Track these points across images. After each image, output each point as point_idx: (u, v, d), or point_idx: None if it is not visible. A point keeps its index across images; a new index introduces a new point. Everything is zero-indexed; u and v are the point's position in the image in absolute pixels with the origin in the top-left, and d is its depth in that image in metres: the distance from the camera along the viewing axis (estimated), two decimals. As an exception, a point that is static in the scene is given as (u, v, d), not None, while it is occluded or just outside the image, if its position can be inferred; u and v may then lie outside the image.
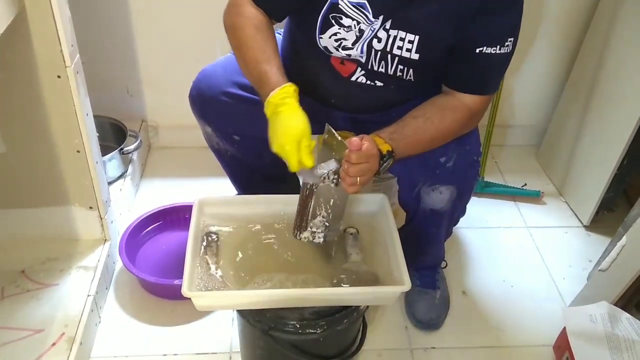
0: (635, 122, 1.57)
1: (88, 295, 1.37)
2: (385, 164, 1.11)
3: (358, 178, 1.06)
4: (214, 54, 1.79)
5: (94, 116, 1.36)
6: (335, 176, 1.10)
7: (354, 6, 1.14)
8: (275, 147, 1.08)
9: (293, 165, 1.07)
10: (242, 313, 1.18)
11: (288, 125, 1.08)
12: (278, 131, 1.08)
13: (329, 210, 1.16)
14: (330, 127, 1.10)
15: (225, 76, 1.31)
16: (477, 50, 1.14)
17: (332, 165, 1.10)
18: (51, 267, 1.43)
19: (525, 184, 1.95)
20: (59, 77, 1.22)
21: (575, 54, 1.91)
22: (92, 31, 1.75)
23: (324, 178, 1.10)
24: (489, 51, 1.14)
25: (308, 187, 1.12)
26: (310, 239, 1.17)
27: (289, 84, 1.11)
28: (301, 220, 1.16)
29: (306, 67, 1.29)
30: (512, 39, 1.15)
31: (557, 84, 2.02)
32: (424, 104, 1.21)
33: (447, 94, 1.22)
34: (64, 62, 1.20)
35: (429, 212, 1.30)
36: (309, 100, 1.31)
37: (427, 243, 1.43)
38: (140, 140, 1.81)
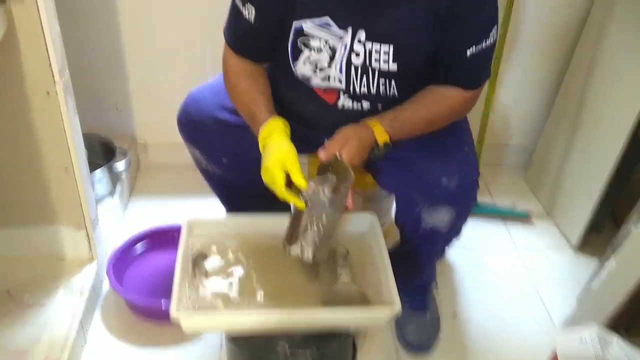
0: (622, 144, 1.58)
1: (74, 317, 1.34)
2: (378, 152, 1.16)
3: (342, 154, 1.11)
4: (204, 71, 1.80)
5: (83, 134, 1.35)
6: (330, 194, 1.10)
7: (318, 27, 1.16)
8: (262, 173, 1.12)
9: (279, 186, 1.09)
10: (230, 335, 1.16)
11: (273, 151, 1.12)
12: (265, 160, 1.12)
13: (321, 228, 1.15)
14: (338, 155, 1.13)
15: (214, 100, 1.31)
16: (468, 53, 1.16)
17: (328, 179, 1.11)
18: (37, 287, 1.40)
19: (514, 205, 1.95)
20: (47, 93, 1.21)
21: (561, 76, 1.94)
22: (82, 47, 1.75)
23: (319, 191, 1.11)
24: (478, 49, 1.16)
25: (302, 200, 1.11)
26: (299, 254, 1.16)
27: (275, 117, 1.16)
28: (292, 233, 1.15)
29: (291, 99, 1.30)
30: (494, 27, 1.17)
31: (544, 104, 2.04)
32: (420, 92, 1.23)
33: (440, 85, 1.23)
34: (53, 78, 1.20)
35: (429, 232, 1.29)
36: (298, 128, 1.32)
37: (422, 263, 1.43)
38: (129, 158, 1.80)
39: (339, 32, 1.16)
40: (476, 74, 1.23)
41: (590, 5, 1.80)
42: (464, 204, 1.27)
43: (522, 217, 1.93)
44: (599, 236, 1.80)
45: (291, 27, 1.18)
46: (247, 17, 1.19)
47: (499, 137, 2.12)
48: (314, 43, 1.18)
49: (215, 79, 1.37)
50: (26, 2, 1.09)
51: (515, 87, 1.99)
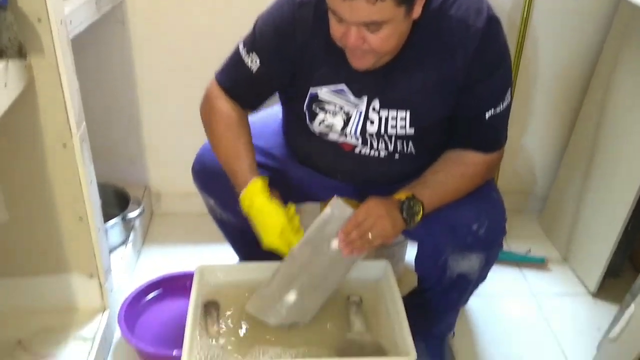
0: (637, 187, 1.57)
1: (85, 367, 1.33)
2: (409, 209, 1.14)
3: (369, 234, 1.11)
4: (217, 122, 1.82)
5: (98, 183, 1.37)
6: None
7: (333, 93, 1.18)
8: (266, 247, 1.15)
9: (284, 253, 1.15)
10: (242, 385, 1.14)
11: (264, 224, 1.14)
12: (260, 232, 1.15)
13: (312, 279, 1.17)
14: (338, 199, 1.15)
15: None
16: (487, 116, 1.17)
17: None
18: (48, 338, 1.39)
19: (530, 250, 1.93)
20: (64, 145, 1.23)
21: (573, 121, 1.94)
22: (99, 99, 1.79)
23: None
24: (496, 111, 1.18)
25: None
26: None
27: (254, 179, 1.16)
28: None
29: (309, 146, 1.32)
30: (509, 89, 1.19)
31: (558, 149, 2.04)
32: (441, 160, 1.23)
33: (461, 149, 1.23)
34: (70, 131, 1.22)
35: (456, 278, 1.27)
36: (314, 174, 1.33)
37: (446, 310, 1.41)
38: (143, 207, 1.82)
39: (354, 99, 1.18)
40: (495, 136, 1.24)
41: (599, 53, 1.82)
42: (493, 250, 1.26)
43: (538, 263, 1.90)
44: (617, 281, 1.77)
45: (307, 92, 1.20)
46: (249, 65, 1.20)
47: (512, 183, 2.11)
48: (329, 107, 1.20)
49: None
50: (46, 57, 1.13)
51: (528, 134, 2.00)
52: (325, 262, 1.15)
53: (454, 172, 1.20)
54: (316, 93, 1.19)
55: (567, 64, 1.87)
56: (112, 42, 1.75)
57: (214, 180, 1.33)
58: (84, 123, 1.28)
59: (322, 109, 1.21)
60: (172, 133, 1.91)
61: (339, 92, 1.18)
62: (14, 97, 1.06)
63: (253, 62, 1.20)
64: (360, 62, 1.10)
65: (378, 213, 1.12)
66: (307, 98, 1.21)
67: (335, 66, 1.16)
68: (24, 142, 1.24)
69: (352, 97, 1.18)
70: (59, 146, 1.24)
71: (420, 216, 1.15)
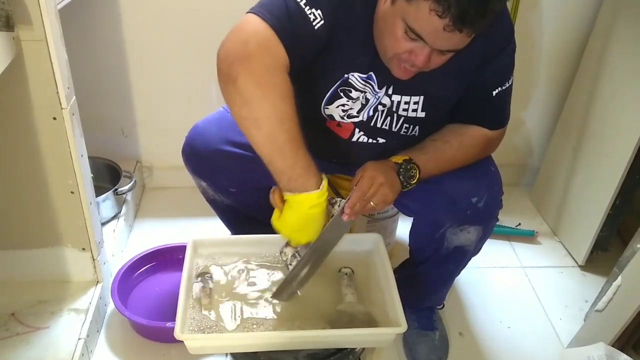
0: (626, 162, 1.58)
1: (79, 339, 1.34)
2: (406, 172, 1.15)
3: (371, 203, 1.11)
4: (209, 96, 1.82)
5: (89, 157, 1.36)
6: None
7: (362, 80, 1.17)
8: (285, 235, 1.12)
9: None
10: (235, 356, 1.16)
11: (306, 229, 1.10)
12: (294, 229, 1.10)
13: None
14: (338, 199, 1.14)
15: (219, 134, 1.28)
16: (494, 93, 1.19)
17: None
18: (42, 310, 1.40)
19: (520, 224, 1.95)
20: (54, 118, 1.22)
21: (565, 95, 1.94)
22: (88, 72, 1.77)
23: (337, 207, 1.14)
24: (502, 89, 1.20)
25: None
26: (288, 261, 1.15)
27: (323, 189, 1.07)
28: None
29: (305, 131, 1.30)
30: (512, 69, 1.21)
31: (549, 124, 2.04)
32: (441, 130, 1.24)
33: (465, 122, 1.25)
34: (60, 104, 1.21)
35: (452, 251, 1.29)
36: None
37: (440, 283, 1.43)
38: (135, 181, 1.81)
39: (377, 89, 1.18)
40: (500, 114, 1.25)
41: (591, 28, 1.81)
42: (490, 224, 1.28)
43: (528, 236, 1.92)
44: (605, 254, 1.80)
45: (339, 76, 1.16)
46: (311, 20, 1.04)
47: (503, 157, 2.11)
48: (354, 94, 1.19)
49: (219, 112, 1.35)
50: (34, 29, 1.11)
51: (519, 108, 2.00)
52: (328, 229, 1.15)
53: (452, 141, 1.21)
54: (348, 77, 1.16)
55: (560, 38, 1.87)
56: (100, 12, 1.72)
57: (205, 164, 1.31)
58: (74, 96, 1.27)
59: (347, 94, 1.19)
60: (164, 106, 1.90)
61: (368, 79, 1.17)
62: (2, 69, 1.05)
63: (316, 18, 1.03)
64: (407, 74, 1.09)
65: (379, 181, 1.12)
66: (340, 81, 1.17)
67: (370, 56, 1.14)
68: (14, 115, 1.23)
69: (376, 87, 1.18)
70: (48, 119, 1.23)
71: (416, 180, 1.17)
